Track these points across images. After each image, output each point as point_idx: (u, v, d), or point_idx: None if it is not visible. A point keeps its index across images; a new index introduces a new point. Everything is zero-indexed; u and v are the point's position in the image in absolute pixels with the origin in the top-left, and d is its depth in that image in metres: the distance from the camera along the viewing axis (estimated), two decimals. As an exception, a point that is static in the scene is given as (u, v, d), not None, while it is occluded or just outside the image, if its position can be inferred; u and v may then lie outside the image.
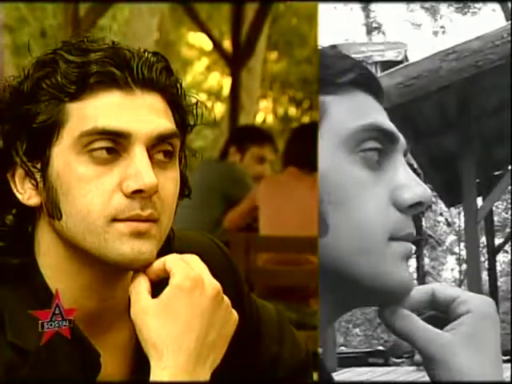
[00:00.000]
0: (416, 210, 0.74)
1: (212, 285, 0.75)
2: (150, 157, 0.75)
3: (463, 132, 5.94)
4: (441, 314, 0.77)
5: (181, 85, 0.79)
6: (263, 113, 5.71)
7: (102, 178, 0.73)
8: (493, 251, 8.81)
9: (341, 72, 0.72)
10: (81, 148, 0.73)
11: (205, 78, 5.69)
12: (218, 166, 3.34)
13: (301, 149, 2.89)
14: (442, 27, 19.59)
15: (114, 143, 0.74)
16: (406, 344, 0.79)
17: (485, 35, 5.43)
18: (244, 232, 3.04)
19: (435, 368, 0.72)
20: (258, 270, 2.81)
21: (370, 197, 0.72)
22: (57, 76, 0.74)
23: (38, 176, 0.76)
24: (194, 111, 0.81)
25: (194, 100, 0.81)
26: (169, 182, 0.76)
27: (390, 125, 0.74)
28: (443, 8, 18.88)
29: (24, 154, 0.76)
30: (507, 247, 13.26)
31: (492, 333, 0.73)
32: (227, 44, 4.68)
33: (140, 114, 0.75)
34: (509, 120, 6.16)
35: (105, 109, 0.74)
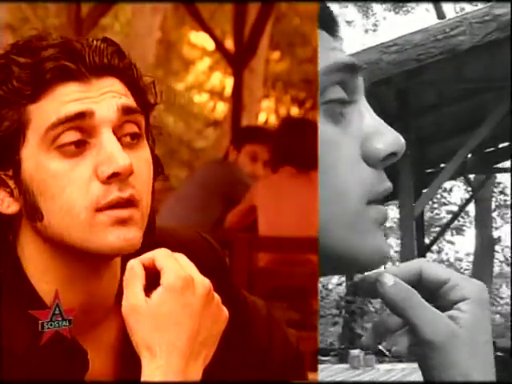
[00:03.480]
0: (389, 162, 0.66)
1: (202, 283, 0.75)
2: (119, 140, 0.74)
3: (401, 127, 5.80)
4: (427, 295, 0.68)
5: (135, 66, 0.79)
6: (265, 113, 5.71)
7: (76, 170, 0.73)
8: (423, 250, 8.86)
9: None
10: (49, 144, 0.73)
11: (207, 77, 5.68)
12: (218, 167, 3.34)
13: (296, 147, 2.89)
14: (374, 25, 19.43)
15: (80, 131, 0.73)
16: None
17: (427, 28, 5.37)
18: (246, 232, 3.04)
19: (435, 357, 0.65)
20: (259, 271, 2.81)
21: (339, 156, 0.63)
22: (12, 81, 0.74)
23: (11, 183, 0.75)
24: (153, 90, 0.81)
25: (150, 79, 0.81)
26: (141, 162, 0.76)
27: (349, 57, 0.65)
28: (376, 6, 18.74)
29: None
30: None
31: (488, 321, 0.67)
32: (229, 44, 4.68)
33: (100, 97, 0.74)
34: (445, 118, 6.08)
35: (64, 100, 0.73)
